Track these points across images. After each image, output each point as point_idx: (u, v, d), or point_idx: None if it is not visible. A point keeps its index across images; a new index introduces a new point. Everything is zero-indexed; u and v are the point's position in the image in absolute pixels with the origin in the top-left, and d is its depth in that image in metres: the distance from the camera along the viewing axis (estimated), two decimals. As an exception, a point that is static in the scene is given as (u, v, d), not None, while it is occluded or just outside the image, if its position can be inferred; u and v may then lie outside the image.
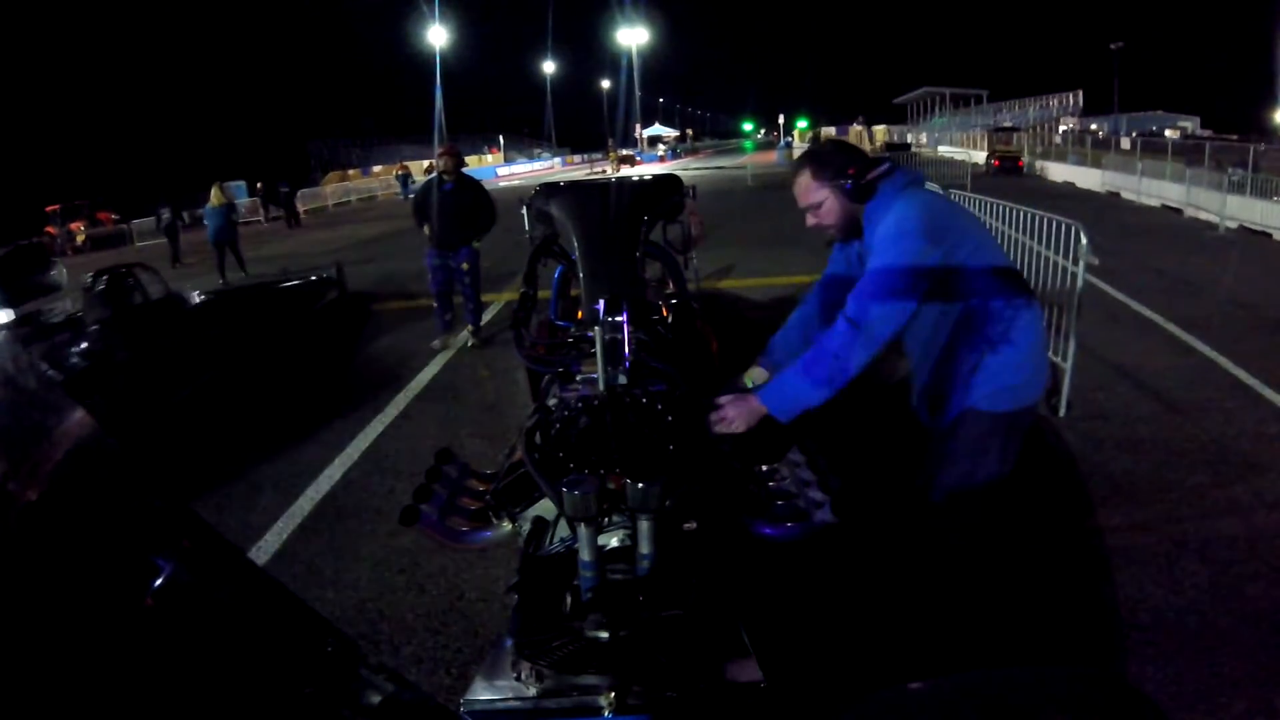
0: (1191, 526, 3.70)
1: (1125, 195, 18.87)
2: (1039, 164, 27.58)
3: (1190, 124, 50.41)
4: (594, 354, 2.05)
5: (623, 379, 2.08)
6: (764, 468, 2.05)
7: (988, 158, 28.99)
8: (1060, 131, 36.60)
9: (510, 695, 1.46)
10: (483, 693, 1.47)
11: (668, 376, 2.24)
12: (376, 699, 0.76)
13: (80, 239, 28.47)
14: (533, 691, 1.45)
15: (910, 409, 2.58)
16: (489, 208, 7.52)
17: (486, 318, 9.28)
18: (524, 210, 3.61)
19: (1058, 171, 25.34)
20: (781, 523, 1.81)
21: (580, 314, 2.89)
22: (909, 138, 47.13)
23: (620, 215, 2.99)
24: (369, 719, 0.75)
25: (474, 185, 7.58)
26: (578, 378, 2.36)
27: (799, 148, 42.57)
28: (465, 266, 7.51)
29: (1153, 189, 17.63)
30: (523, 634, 1.51)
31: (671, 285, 3.45)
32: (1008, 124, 37.89)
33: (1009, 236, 6.41)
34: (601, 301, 2.22)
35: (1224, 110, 50.35)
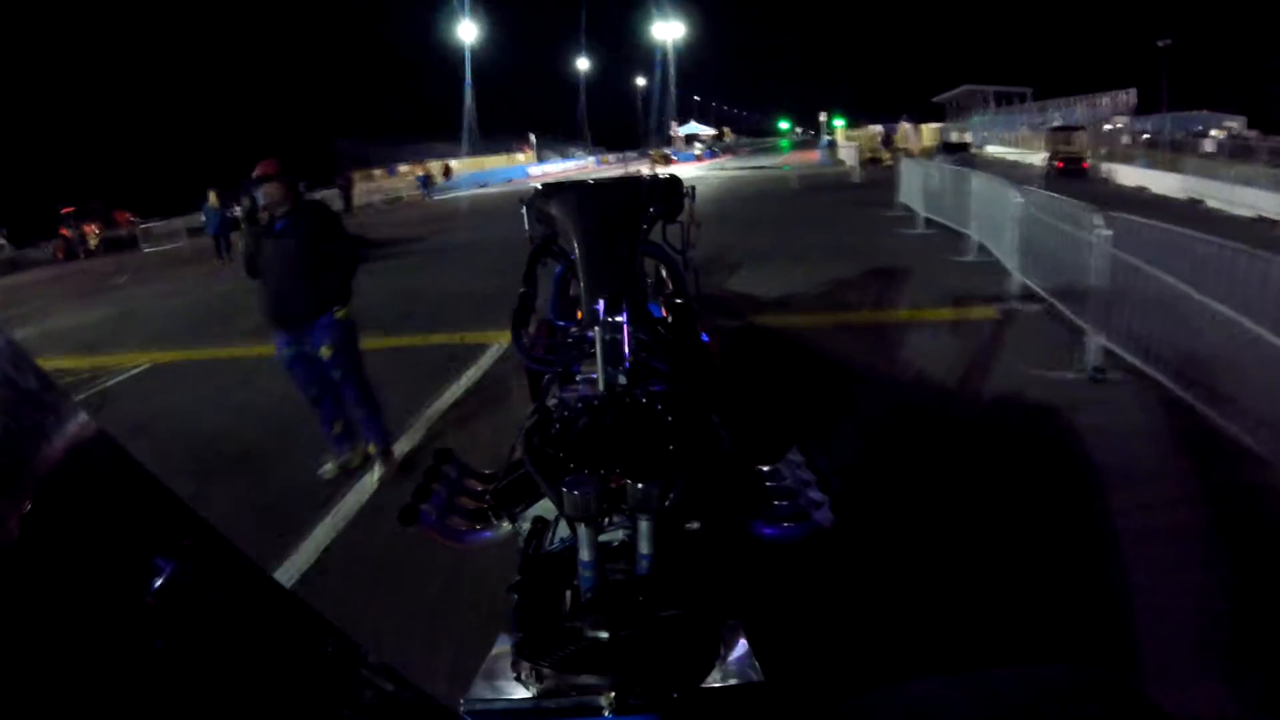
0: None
1: (1210, 203, 17.24)
2: (1104, 166, 25.48)
3: (1236, 124, 47.66)
4: (594, 354, 2.11)
5: (623, 379, 2.12)
6: (764, 468, 2.07)
7: (1049, 158, 26.83)
8: (1120, 131, 34.24)
9: (510, 695, 1.47)
10: (483, 693, 1.49)
11: (667, 376, 2.30)
12: (376, 699, 0.75)
13: (94, 242, 27.52)
14: (533, 691, 1.45)
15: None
16: (346, 249, 4.90)
17: (486, 362, 7.50)
18: (524, 210, 3.65)
19: (1127, 175, 23.71)
20: (781, 523, 1.84)
21: (580, 314, 2.96)
22: (967, 136, 44.49)
23: (620, 215, 3.05)
24: (369, 719, 0.74)
25: (317, 217, 4.83)
26: (578, 378, 2.41)
27: (844, 147, 40.50)
28: (326, 353, 4.71)
29: (1245, 198, 15.83)
30: (523, 634, 1.53)
31: (671, 285, 3.50)
32: (1067, 122, 35.49)
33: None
34: (601, 301, 2.26)
35: (1271, 109, 47.15)
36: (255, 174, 4.61)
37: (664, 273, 3.67)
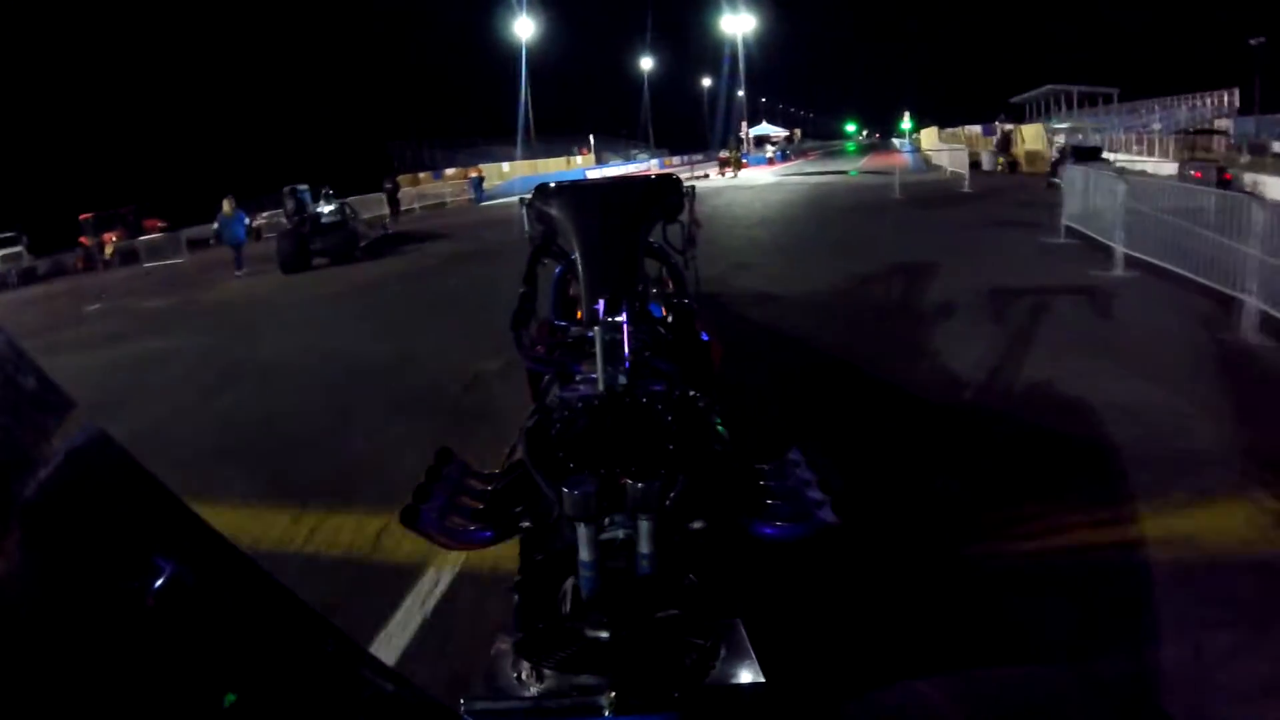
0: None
1: None
2: (1247, 177, 21.69)
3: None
4: (594, 354, 2.14)
5: (623, 379, 2.14)
6: (764, 467, 2.08)
7: (1181, 167, 23.23)
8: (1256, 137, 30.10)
9: (510, 695, 1.50)
10: (483, 693, 1.51)
11: (668, 376, 2.33)
12: (376, 699, 0.77)
13: (109, 251, 25.68)
14: (533, 691, 1.48)
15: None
16: None
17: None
18: (524, 211, 3.66)
19: (1278, 188, 19.45)
20: (782, 523, 1.85)
21: (580, 314, 2.98)
22: (1059, 138, 40.37)
23: (620, 215, 3.07)
24: (369, 719, 0.76)
25: None
26: (578, 378, 2.43)
27: (934, 151, 37.04)
28: None
29: None
30: (523, 634, 1.57)
31: (671, 285, 3.50)
32: (1167, 126, 31.64)
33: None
34: (601, 301, 2.31)
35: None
36: None
37: (664, 273, 3.67)
